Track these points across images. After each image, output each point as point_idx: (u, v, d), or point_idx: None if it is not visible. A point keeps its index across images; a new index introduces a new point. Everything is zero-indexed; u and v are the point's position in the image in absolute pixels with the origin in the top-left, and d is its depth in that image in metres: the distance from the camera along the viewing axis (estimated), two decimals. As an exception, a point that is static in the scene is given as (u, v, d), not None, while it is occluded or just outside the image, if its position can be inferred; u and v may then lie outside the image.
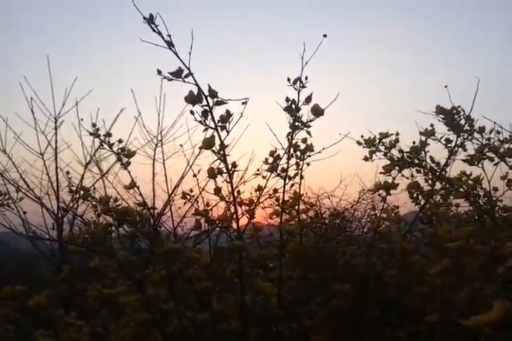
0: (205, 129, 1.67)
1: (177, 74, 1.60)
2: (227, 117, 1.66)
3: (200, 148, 1.72)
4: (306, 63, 1.89)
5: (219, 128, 1.67)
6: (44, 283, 2.62)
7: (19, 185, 4.70)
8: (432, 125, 2.55)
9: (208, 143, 1.68)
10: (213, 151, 1.71)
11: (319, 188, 5.44)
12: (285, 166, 2.08)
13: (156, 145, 4.86)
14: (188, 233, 4.45)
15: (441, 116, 2.48)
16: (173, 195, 4.78)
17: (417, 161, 2.77)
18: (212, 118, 1.66)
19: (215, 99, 1.63)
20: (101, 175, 4.61)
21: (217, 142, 1.69)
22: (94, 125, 2.35)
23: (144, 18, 1.52)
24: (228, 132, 1.68)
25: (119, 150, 2.30)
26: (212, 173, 1.76)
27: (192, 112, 1.65)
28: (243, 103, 1.65)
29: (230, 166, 1.74)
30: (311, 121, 1.91)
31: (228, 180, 1.76)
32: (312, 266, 2.55)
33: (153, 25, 1.54)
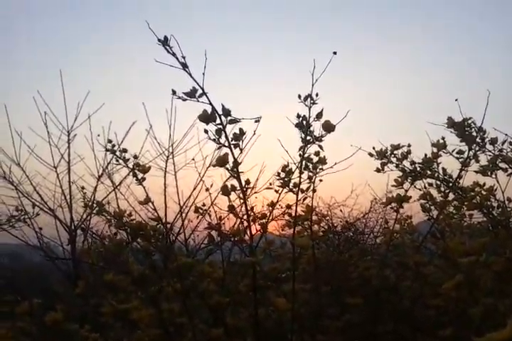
0: (219, 147, 1.70)
1: (191, 94, 1.63)
2: (240, 135, 1.68)
3: (214, 165, 1.73)
4: (317, 80, 1.91)
5: (232, 146, 1.69)
6: (58, 296, 2.64)
7: (33, 197, 4.74)
8: (443, 138, 2.54)
9: (221, 161, 1.71)
10: (227, 169, 1.73)
11: (330, 198, 5.43)
12: (297, 180, 2.10)
13: (168, 157, 4.89)
14: (200, 244, 4.47)
15: (453, 128, 2.49)
16: (184, 207, 4.80)
17: (429, 172, 2.78)
18: (226, 137, 1.68)
19: (229, 118, 1.66)
20: (113, 188, 4.64)
21: (231, 159, 1.71)
22: (110, 141, 2.39)
23: (159, 40, 1.55)
24: (242, 150, 1.70)
25: (134, 166, 2.33)
26: (226, 191, 1.78)
27: (206, 131, 1.67)
28: (256, 121, 1.68)
29: (243, 183, 1.76)
30: (322, 136, 1.93)
31: (242, 196, 1.77)
32: (325, 278, 2.55)
33: (167, 47, 1.57)
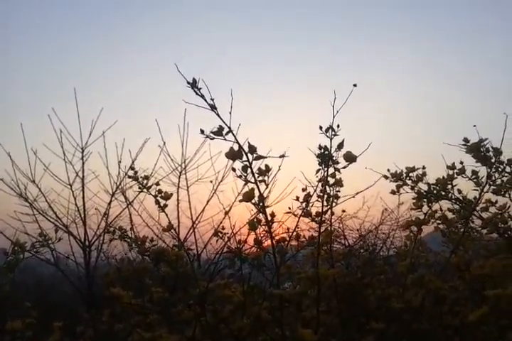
0: (245, 183, 1.73)
1: (218, 133, 1.67)
2: (265, 171, 1.72)
3: (241, 201, 1.77)
4: (338, 112, 1.95)
5: (258, 182, 1.73)
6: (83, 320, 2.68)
7: (48, 214, 4.79)
8: (461, 162, 2.57)
9: (248, 197, 1.74)
10: (253, 204, 1.77)
11: (342, 211, 5.45)
12: (317, 208, 2.14)
13: (181, 172, 4.95)
14: (213, 259, 4.51)
15: (468, 150, 2.52)
16: (197, 222, 4.84)
17: (443, 193, 2.82)
18: (252, 173, 1.72)
19: (254, 155, 1.70)
20: (127, 204, 4.69)
21: (257, 194, 1.75)
22: (132, 168, 2.43)
23: (188, 82, 1.59)
24: (267, 185, 1.74)
25: (157, 193, 2.37)
26: (254, 225, 1.82)
27: (234, 169, 1.71)
28: (281, 156, 1.72)
29: (269, 217, 1.79)
30: (344, 167, 1.97)
31: (268, 230, 1.81)
32: (345, 302, 2.58)
33: (196, 89, 1.61)
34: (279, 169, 1.76)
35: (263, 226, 1.85)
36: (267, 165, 1.73)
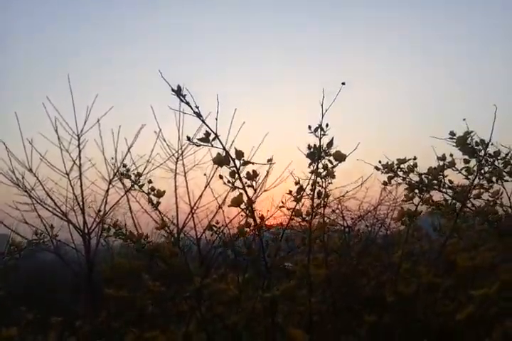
0: (233, 189, 1.75)
1: (205, 139, 1.68)
2: (253, 176, 1.74)
3: (229, 206, 1.79)
4: (326, 110, 1.95)
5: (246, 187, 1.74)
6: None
7: (46, 203, 4.82)
8: (451, 155, 2.59)
9: (236, 202, 1.76)
10: (241, 208, 1.79)
11: (340, 191, 5.45)
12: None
13: (177, 159, 4.96)
14: (213, 242, 4.57)
15: (456, 143, 2.53)
16: (195, 208, 4.88)
17: (435, 182, 2.84)
18: (240, 179, 1.74)
19: (242, 161, 1.71)
20: (125, 191, 4.72)
21: (245, 199, 1.77)
22: (124, 165, 2.44)
23: (173, 90, 1.59)
24: (255, 190, 1.76)
25: (149, 190, 2.39)
26: (242, 232, 1.85)
27: (221, 177, 1.73)
28: (268, 161, 1.73)
29: (257, 220, 1.82)
30: (333, 167, 1.98)
31: (257, 233, 1.83)
32: (339, 291, 2.63)
33: (181, 97, 1.61)
34: (267, 174, 1.77)
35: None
36: (254, 171, 1.75)
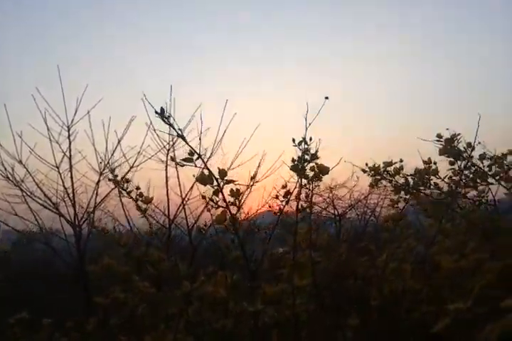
0: (217, 208, 1.77)
1: (189, 159, 1.69)
2: (236, 194, 1.76)
3: (212, 223, 1.82)
4: (310, 124, 1.96)
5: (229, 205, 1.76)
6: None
7: (35, 195, 4.83)
8: (435, 163, 2.61)
9: (219, 220, 1.78)
10: (225, 226, 1.81)
11: (331, 180, 5.46)
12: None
13: (168, 150, 4.96)
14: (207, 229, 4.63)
15: (442, 151, 2.56)
16: (186, 199, 4.91)
17: (421, 183, 2.87)
18: (223, 198, 1.76)
19: (225, 180, 1.72)
20: (115, 184, 4.74)
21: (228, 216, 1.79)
22: (112, 171, 2.45)
23: (156, 112, 1.60)
24: (239, 208, 1.78)
25: (137, 197, 2.41)
26: (227, 249, 1.88)
27: (204, 197, 1.75)
28: (252, 178, 1.75)
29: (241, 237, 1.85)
30: (318, 180, 2.00)
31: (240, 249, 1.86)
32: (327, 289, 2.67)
33: (164, 119, 1.61)
34: (249, 188, 1.79)
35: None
36: (237, 189, 1.77)
